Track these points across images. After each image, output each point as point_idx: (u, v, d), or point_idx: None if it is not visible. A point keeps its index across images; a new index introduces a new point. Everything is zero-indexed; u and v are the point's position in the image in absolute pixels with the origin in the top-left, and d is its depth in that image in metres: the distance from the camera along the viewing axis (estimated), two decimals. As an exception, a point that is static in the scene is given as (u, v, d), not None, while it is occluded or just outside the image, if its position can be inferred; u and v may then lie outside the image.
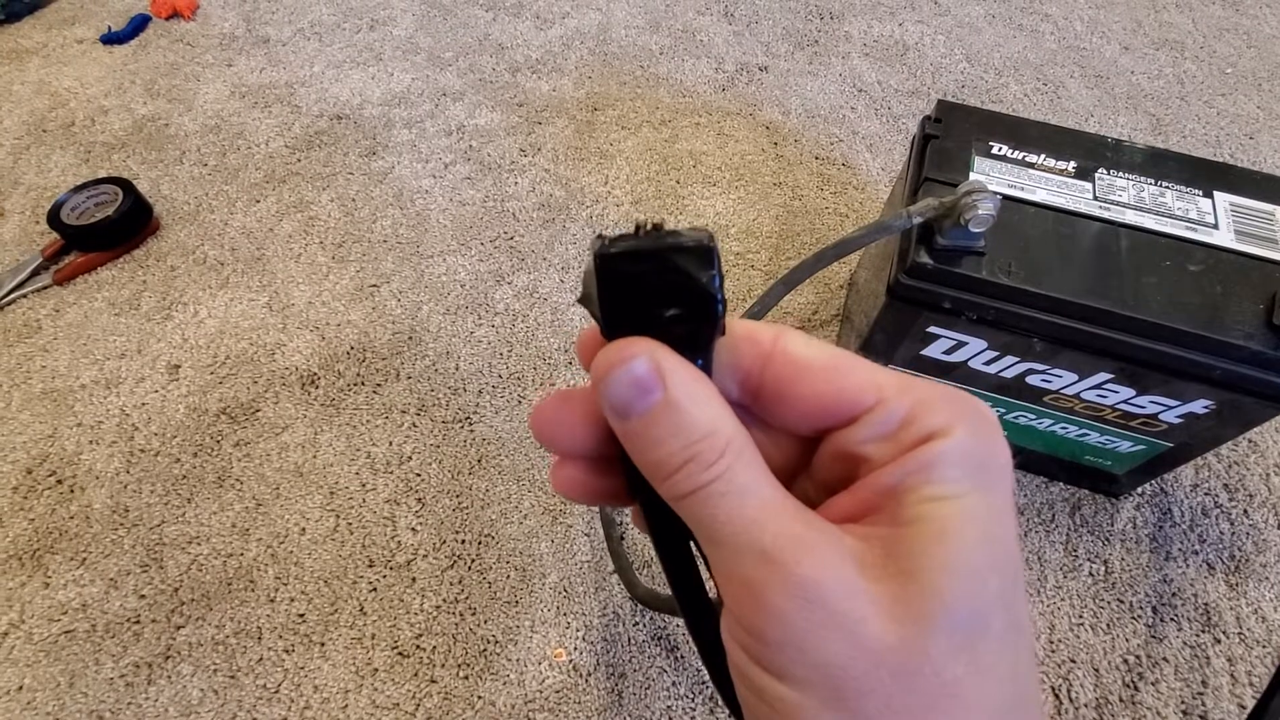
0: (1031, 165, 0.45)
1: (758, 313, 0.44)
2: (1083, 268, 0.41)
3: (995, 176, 0.44)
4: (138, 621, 0.48)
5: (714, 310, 0.15)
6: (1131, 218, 0.43)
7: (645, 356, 0.15)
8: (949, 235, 0.40)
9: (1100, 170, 0.45)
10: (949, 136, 0.47)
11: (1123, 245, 0.42)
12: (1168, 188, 0.45)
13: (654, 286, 0.15)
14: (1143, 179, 0.45)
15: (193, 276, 0.65)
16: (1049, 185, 0.44)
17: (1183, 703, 0.47)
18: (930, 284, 0.42)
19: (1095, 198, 0.44)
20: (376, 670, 0.47)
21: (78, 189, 0.67)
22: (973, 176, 0.44)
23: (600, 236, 0.15)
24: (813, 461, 0.18)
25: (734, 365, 0.17)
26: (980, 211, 0.38)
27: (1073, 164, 0.45)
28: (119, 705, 0.45)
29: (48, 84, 0.81)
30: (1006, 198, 0.43)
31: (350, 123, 0.77)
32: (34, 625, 0.48)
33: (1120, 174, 0.45)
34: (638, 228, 0.15)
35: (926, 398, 0.15)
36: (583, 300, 0.17)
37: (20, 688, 0.45)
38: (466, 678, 0.47)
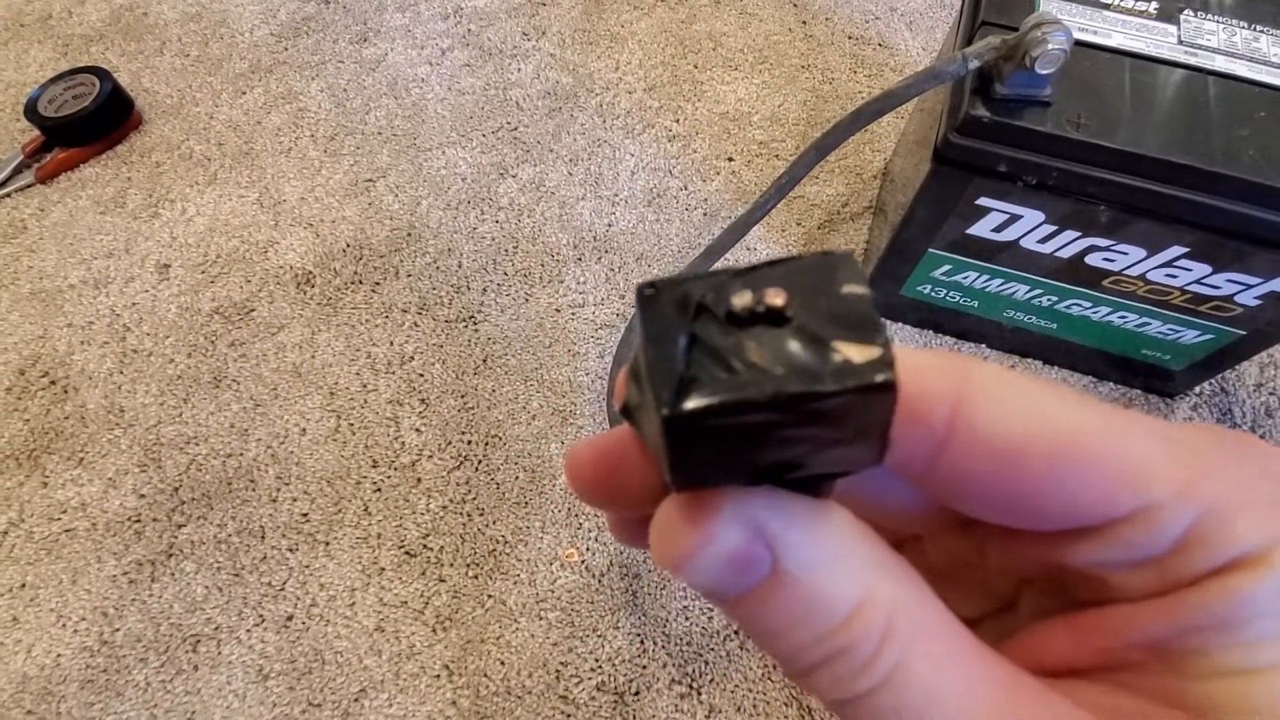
0: (1106, 5, 0.39)
1: (785, 185, 0.40)
2: (1165, 120, 0.35)
3: (1064, 18, 0.38)
4: (138, 520, 0.46)
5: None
6: (1222, 64, 0.37)
7: (736, 525, 0.09)
8: (1010, 82, 0.35)
9: (1186, 12, 0.39)
10: (1010, -23, 0.40)
11: (1211, 95, 0.36)
12: (1263, 32, 0.39)
13: (767, 440, 0.09)
14: (1235, 22, 0.39)
15: (179, 173, 0.61)
16: (1126, 28, 0.38)
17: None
18: (985, 142, 0.36)
19: (1180, 42, 0.38)
20: (383, 569, 0.45)
21: (54, 80, 0.63)
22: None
23: (649, 288, 0.09)
24: (988, 546, 0.12)
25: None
26: (1051, 46, 0.32)
27: (1154, 4, 0.39)
28: (123, 601, 0.44)
29: (20, -26, 0.76)
30: (1078, 43, 0.37)
31: (339, 7, 0.71)
32: (34, 524, 0.46)
33: (1209, 16, 0.39)
34: (730, 314, 0.09)
35: (1227, 496, 0.09)
36: (625, 413, 0.11)
37: (23, 585, 0.45)
38: (476, 577, 0.45)
